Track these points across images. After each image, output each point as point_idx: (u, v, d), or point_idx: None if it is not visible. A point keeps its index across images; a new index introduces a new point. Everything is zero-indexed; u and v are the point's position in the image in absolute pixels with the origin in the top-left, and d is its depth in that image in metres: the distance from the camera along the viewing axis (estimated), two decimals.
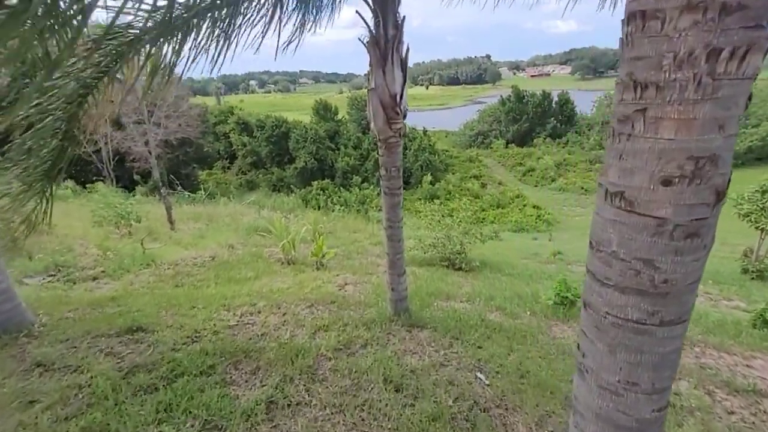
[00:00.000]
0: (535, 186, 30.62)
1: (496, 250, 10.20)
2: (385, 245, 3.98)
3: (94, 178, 21.78)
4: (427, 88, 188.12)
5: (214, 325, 3.70)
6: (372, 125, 3.51)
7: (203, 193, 11.81)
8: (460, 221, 7.98)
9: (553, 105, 42.74)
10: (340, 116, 36.28)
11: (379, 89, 3.29)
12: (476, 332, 3.88)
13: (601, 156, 35.05)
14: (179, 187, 13.59)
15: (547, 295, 5.26)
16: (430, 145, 32.37)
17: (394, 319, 4.05)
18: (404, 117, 3.52)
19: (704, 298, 6.64)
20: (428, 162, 30.00)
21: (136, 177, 21.37)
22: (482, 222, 17.94)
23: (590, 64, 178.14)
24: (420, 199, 25.82)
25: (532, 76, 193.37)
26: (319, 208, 18.86)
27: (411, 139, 32.44)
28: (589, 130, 40.07)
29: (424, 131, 34.83)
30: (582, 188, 28.30)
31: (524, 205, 23.83)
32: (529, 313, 4.93)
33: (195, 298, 4.44)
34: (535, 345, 3.75)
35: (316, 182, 26.03)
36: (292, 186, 29.81)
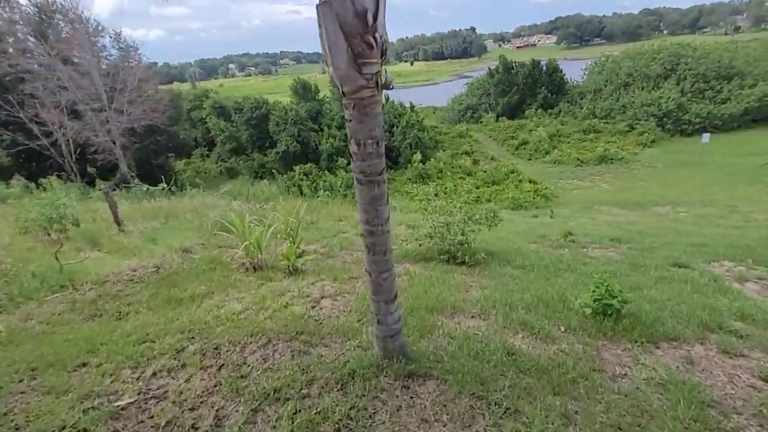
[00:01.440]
0: (529, 159, 29.40)
1: (499, 234, 8.98)
2: (365, 261, 2.67)
3: (55, 174, 19.90)
4: (412, 64, 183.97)
5: (86, 416, 2.30)
6: (330, 69, 2.12)
7: (166, 185, 10.25)
8: (461, 205, 6.67)
9: (543, 74, 41.11)
10: (322, 95, 34.22)
11: (337, 1, 1.89)
12: (504, 380, 2.64)
13: (596, 125, 33.93)
14: (136, 180, 11.99)
15: (582, 300, 4.04)
16: (418, 121, 30.76)
17: (384, 365, 2.78)
18: (383, 55, 2.14)
19: (759, 286, 5.52)
20: (417, 139, 28.45)
21: (91, 170, 19.56)
22: (478, 201, 16.71)
23: (576, 32, 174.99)
24: (410, 180, 24.44)
25: (517, 47, 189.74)
26: (302, 194, 17.40)
27: (398, 115, 30.74)
28: (581, 98, 38.70)
29: (412, 107, 33.10)
30: (578, 159, 27.17)
31: (520, 181, 22.64)
32: (563, 329, 3.71)
33: (98, 344, 3.11)
34: (593, 398, 2.52)
35: (298, 167, 24.31)
36: (275, 172, 28.12)
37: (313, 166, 24.80)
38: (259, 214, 9.12)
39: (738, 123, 31.10)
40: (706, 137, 24.23)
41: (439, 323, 3.75)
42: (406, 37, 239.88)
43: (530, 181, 22.60)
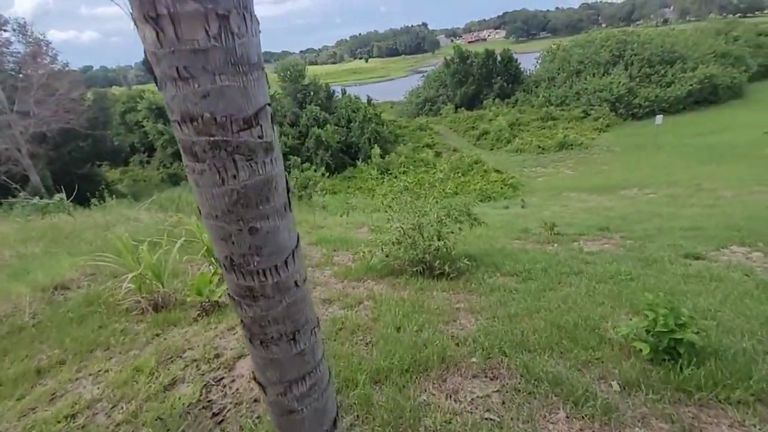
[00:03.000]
0: (491, 149, 28.86)
1: (477, 232, 7.72)
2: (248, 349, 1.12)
3: None
4: (366, 60, 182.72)
5: None
6: None
7: (52, 198, 8.07)
8: (434, 200, 5.25)
9: (498, 64, 41.01)
10: (273, 91, 31.88)
11: None
12: None
13: (553, 112, 34.07)
14: (21, 193, 9.61)
15: (627, 331, 2.71)
16: (376, 114, 29.31)
17: None
18: None
19: None
20: (376, 134, 27.01)
21: None
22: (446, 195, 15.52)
23: (523, 26, 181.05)
24: (371, 177, 22.97)
25: (469, 42, 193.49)
26: None
27: (355, 109, 29.14)
28: (536, 87, 38.93)
29: (369, 100, 31.60)
30: (539, 147, 26.91)
31: (485, 171, 21.82)
32: (620, 386, 2.35)
33: None
34: None
35: None
36: None
37: None
38: (183, 229, 7.29)
39: (683, 105, 32.29)
40: (659, 119, 24.62)
41: (425, 399, 2.27)
42: (359, 34, 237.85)
43: (496, 171, 21.84)
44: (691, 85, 31.77)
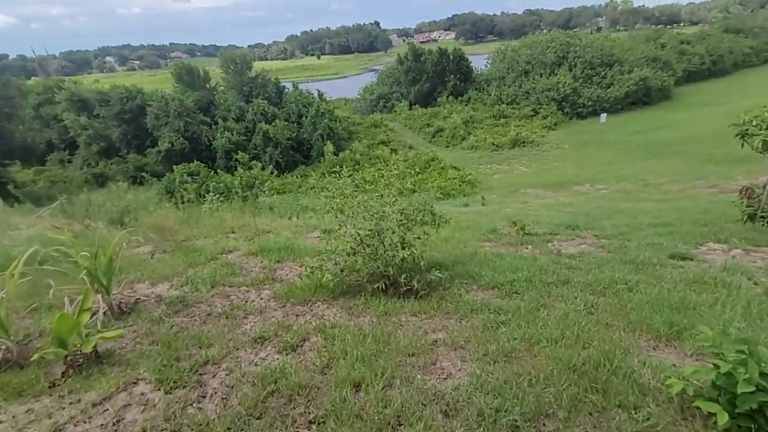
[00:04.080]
0: (447, 146, 28.65)
1: (442, 234, 6.94)
2: None
3: None
4: (318, 57, 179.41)
5: None
6: None
7: None
8: (393, 198, 4.29)
9: (450, 62, 41.22)
10: (213, 83, 29.38)
11: None
12: None
13: (504, 110, 34.66)
14: None
15: (676, 385, 1.92)
16: (329, 110, 27.99)
17: None
18: None
19: None
20: (329, 130, 25.72)
21: None
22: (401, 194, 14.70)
23: (472, 29, 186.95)
24: (324, 174, 21.71)
25: (421, 42, 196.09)
26: (183, 201, 13.61)
27: (306, 104, 27.62)
28: (488, 85, 39.56)
29: (320, 95, 30.17)
30: (493, 144, 27.07)
31: (442, 168, 21.38)
32: None
33: None
34: None
35: (179, 166, 19.72)
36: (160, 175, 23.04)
37: (200, 164, 20.46)
38: (87, 242, 5.83)
39: (621, 105, 34.21)
40: (603, 117, 25.66)
41: None
42: (311, 30, 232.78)
43: (453, 168, 21.49)
44: (629, 86, 33.72)
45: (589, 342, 2.72)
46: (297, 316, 3.59)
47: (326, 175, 18.51)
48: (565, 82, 34.03)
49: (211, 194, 14.14)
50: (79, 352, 2.67)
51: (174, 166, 19.81)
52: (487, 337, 2.91)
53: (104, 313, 3.54)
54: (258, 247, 5.93)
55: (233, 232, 7.67)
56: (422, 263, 3.99)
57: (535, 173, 21.38)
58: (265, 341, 3.01)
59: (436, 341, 2.93)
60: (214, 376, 2.54)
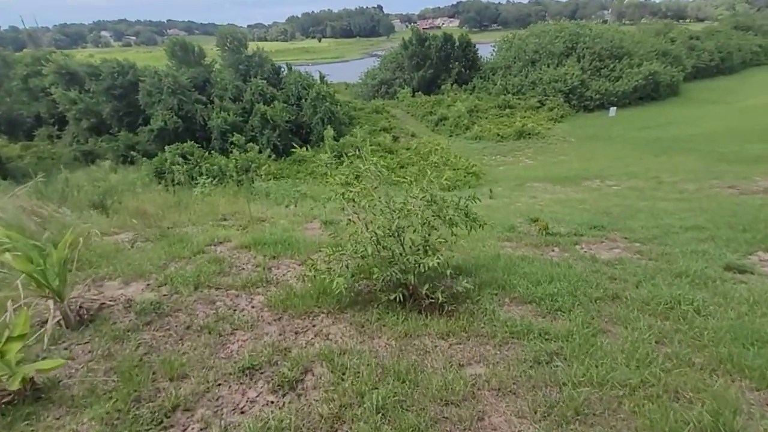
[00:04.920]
0: (450, 136, 27.84)
1: (456, 230, 6.27)
2: None
3: None
4: (319, 40, 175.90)
5: None
6: None
7: None
8: (421, 192, 3.59)
9: (456, 48, 40.02)
10: (209, 60, 28.14)
11: None
12: None
13: (510, 101, 33.76)
14: None
15: None
16: (329, 93, 26.96)
17: None
18: None
19: None
20: (330, 113, 24.77)
21: None
22: (397, 182, 14.00)
23: (476, 17, 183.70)
24: (327, 162, 20.87)
25: (424, 28, 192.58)
26: (173, 183, 12.80)
27: (306, 86, 26.57)
28: (493, 74, 38.52)
29: (321, 77, 29.09)
30: (498, 135, 26.30)
31: (447, 158, 20.63)
32: None
33: None
34: None
35: (172, 146, 18.72)
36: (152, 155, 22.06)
37: (194, 145, 19.50)
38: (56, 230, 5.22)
39: (629, 99, 33.42)
40: (613, 111, 24.94)
41: None
42: (312, 12, 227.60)
43: (458, 158, 20.75)
44: (637, 80, 32.89)
45: (681, 392, 2.08)
46: (296, 333, 2.92)
47: (328, 163, 17.70)
48: (573, 74, 33.11)
49: (204, 177, 13.35)
50: (4, 390, 1.98)
51: (166, 146, 18.85)
52: (542, 378, 2.26)
53: (58, 323, 2.86)
54: (251, 239, 5.23)
55: (225, 220, 6.96)
56: (448, 271, 3.31)
57: (541, 166, 20.70)
58: (255, 373, 2.35)
59: (475, 380, 2.28)
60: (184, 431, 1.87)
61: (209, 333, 2.90)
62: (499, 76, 37.44)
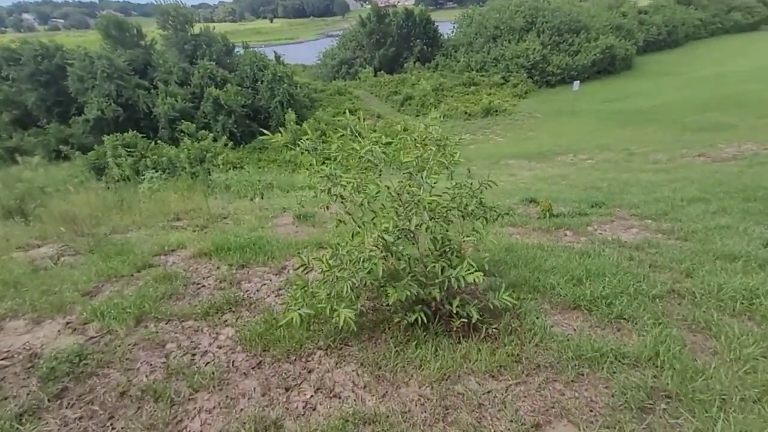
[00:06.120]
0: (417, 115, 27.00)
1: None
2: None
3: None
4: (271, 21, 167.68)
5: None
6: None
7: None
8: (434, 179, 2.76)
9: (417, 25, 38.84)
10: (149, 40, 25.32)
11: None
12: None
13: (474, 78, 33.30)
14: None
15: None
16: (287, 74, 25.19)
17: None
18: None
19: None
20: (289, 96, 23.13)
21: None
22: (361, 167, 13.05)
23: None
24: (287, 146, 19.47)
25: (380, 6, 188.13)
26: (115, 180, 11.14)
27: (261, 68, 24.62)
28: (455, 51, 37.84)
29: (277, 57, 27.13)
30: (465, 113, 25.82)
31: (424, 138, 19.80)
32: None
33: None
34: None
35: (110, 137, 16.51)
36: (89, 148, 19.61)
37: (139, 135, 17.38)
38: None
39: (588, 73, 33.91)
40: (576, 85, 25.04)
41: None
42: None
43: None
44: (595, 54, 33.38)
45: None
46: (287, 389, 2.04)
47: (291, 146, 16.45)
48: (535, 49, 33.05)
49: (151, 170, 11.79)
50: None
51: (104, 137, 16.67)
52: None
53: None
54: (212, 243, 4.22)
55: (179, 220, 5.84)
56: (482, 279, 2.52)
57: (512, 143, 20.45)
58: None
59: None
60: None
61: (156, 401, 1.96)
62: (462, 53, 36.81)
